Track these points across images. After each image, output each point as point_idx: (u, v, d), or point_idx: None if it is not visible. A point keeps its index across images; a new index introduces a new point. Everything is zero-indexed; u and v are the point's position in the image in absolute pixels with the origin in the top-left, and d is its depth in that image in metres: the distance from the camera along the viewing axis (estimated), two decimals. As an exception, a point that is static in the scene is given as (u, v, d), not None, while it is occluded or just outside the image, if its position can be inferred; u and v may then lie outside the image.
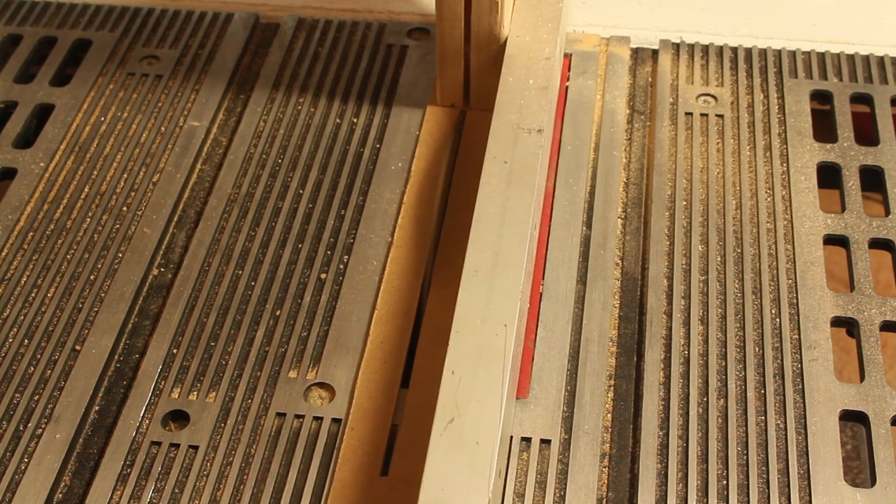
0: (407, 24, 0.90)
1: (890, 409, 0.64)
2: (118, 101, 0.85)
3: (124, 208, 0.76)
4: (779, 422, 0.63)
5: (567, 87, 0.82)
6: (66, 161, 0.80)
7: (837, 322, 0.69)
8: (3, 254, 0.74)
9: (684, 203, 0.75)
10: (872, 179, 0.78)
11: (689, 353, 0.66)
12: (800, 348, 0.66)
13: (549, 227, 0.73)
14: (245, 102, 0.85)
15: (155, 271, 0.73)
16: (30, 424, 0.64)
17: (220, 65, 0.87)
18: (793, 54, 0.85)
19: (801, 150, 0.78)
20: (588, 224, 0.74)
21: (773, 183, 0.76)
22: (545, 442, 0.63)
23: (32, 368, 0.67)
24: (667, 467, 0.61)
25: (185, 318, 0.69)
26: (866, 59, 0.85)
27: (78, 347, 0.68)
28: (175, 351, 0.68)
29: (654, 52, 0.87)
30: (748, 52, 0.85)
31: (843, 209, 0.75)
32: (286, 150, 0.80)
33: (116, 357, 0.68)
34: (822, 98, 0.83)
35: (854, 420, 0.64)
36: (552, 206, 0.74)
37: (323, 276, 0.72)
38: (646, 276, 0.71)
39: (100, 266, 0.73)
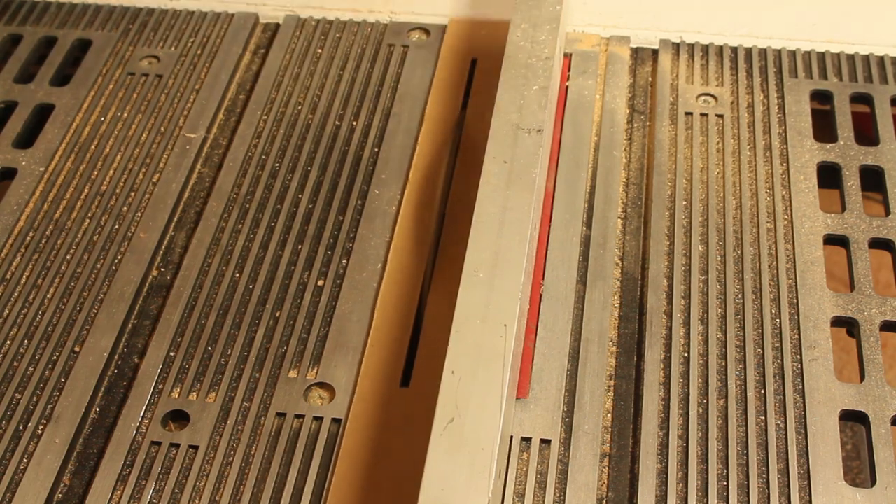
0: (407, 24, 0.90)
1: (890, 409, 0.64)
2: (118, 101, 0.85)
3: (124, 208, 0.76)
4: (779, 422, 0.63)
5: (567, 87, 0.82)
6: (66, 161, 0.80)
7: (837, 322, 0.68)
8: (3, 254, 0.74)
9: (684, 203, 0.75)
10: (872, 179, 0.78)
11: (689, 353, 0.66)
12: (800, 348, 0.66)
13: (549, 227, 0.73)
14: (245, 102, 0.85)
15: (155, 272, 0.73)
16: (30, 424, 0.64)
17: (220, 65, 0.87)
18: (793, 54, 0.85)
19: (801, 150, 0.78)
20: (588, 224, 0.74)
21: (773, 183, 0.76)
22: (545, 442, 0.63)
23: (32, 368, 0.67)
24: (667, 467, 0.61)
25: (185, 318, 0.69)
26: (866, 59, 0.85)
27: (77, 348, 0.68)
28: (175, 351, 0.68)
29: (654, 52, 0.86)
30: (748, 51, 0.85)
31: (843, 209, 0.75)
32: (286, 150, 0.80)
33: (116, 357, 0.68)
34: (822, 98, 0.83)
35: (854, 420, 0.64)
36: (552, 206, 0.74)
37: (323, 276, 0.72)
38: (646, 276, 0.71)
39: (99, 266, 0.73)
